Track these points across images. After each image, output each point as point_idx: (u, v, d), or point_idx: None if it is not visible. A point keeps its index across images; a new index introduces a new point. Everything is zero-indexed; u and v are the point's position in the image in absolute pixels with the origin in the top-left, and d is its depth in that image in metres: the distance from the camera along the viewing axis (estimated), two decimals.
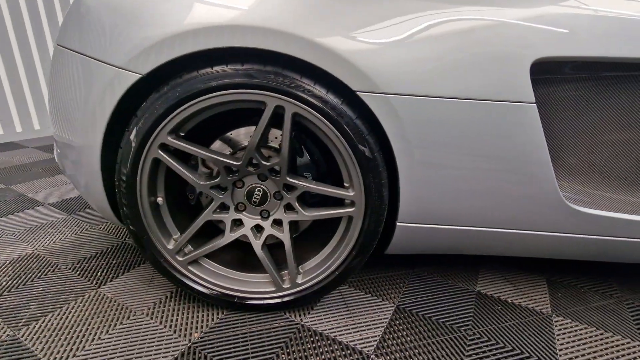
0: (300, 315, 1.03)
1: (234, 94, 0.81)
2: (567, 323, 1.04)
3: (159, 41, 0.77)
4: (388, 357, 0.90)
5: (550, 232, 0.99)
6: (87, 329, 0.96)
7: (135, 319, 1.00)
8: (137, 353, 0.89)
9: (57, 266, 1.24)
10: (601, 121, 0.93)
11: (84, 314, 1.02)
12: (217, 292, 1.00)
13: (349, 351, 0.92)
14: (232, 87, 0.80)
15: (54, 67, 0.92)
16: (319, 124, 0.85)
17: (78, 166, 0.95)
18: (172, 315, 1.02)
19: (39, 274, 1.20)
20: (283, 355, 0.90)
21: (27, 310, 1.03)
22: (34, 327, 0.97)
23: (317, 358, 0.89)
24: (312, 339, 0.95)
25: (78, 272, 1.21)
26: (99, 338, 0.93)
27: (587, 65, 0.88)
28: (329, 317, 1.03)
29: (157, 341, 0.93)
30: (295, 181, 0.93)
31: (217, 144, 1.03)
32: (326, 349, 0.92)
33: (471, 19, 0.82)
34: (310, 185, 0.93)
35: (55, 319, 1.00)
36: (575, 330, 1.01)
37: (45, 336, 0.94)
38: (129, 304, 1.06)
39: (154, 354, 0.89)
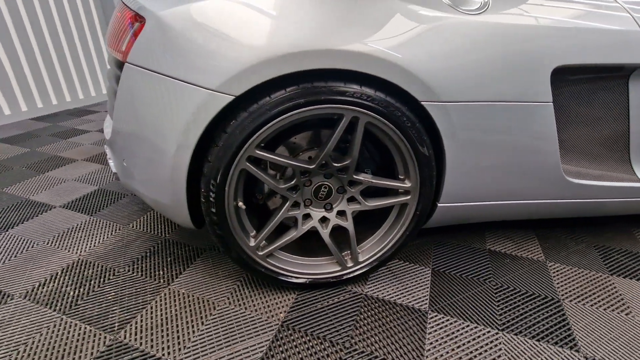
0: (360, 287, 1.23)
1: (319, 109, 0.91)
2: (557, 266, 1.36)
3: (254, 65, 0.83)
4: (442, 312, 1.14)
5: (551, 200, 1.26)
6: (182, 323, 1.07)
7: (221, 309, 1.13)
8: (239, 336, 1.03)
9: (114, 270, 1.29)
10: (591, 115, 1.17)
11: (171, 311, 1.12)
12: (294, 277, 1.15)
13: (409, 310, 1.14)
14: (318, 102, 0.90)
15: (128, 86, 0.92)
16: (385, 129, 0.99)
17: (157, 181, 1.00)
18: (252, 301, 1.16)
19: (101, 279, 1.25)
20: (361, 321, 1.10)
21: (113, 315, 1.10)
22: (131, 328, 1.05)
23: (388, 319, 1.10)
24: (377, 304, 1.16)
25: (140, 274, 1.27)
26: (198, 329, 1.05)
27: (587, 70, 1.10)
28: (383, 285, 1.24)
29: (252, 324, 1.07)
30: (361, 177, 1.07)
31: (280, 149, 1.12)
32: (392, 311, 1.13)
33: (505, 33, 0.98)
34: (372, 181, 1.08)
35: (146, 318, 1.09)
36: (564, 271, 1.33)
37: (146, 335, 1.03)
38: (206, 297, 1.18)
39: (254, 335, 1.04)
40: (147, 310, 1.12)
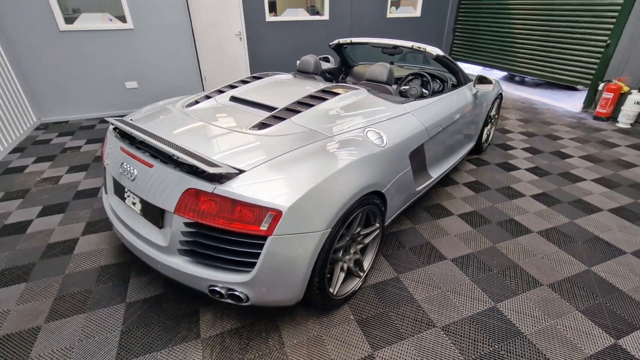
0: (368, 282, 2.32)
1: (357, 213, 1.89)
2: (418, 225, 2.89)
3: (338, 210, 1.71)
4: (403, 272, 2.41)
5: (410, 201, 2.71)
6: (319, 353, 1.86)
7: (329, 334, 1.96)
8: (350, 337, 1.94)
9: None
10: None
11: (306, 353, 1.86)
12: (346, 296, 2.12)
13: (393, 280, 2.35)
14: (355, 211, 1.88)
15: (275, 248, 1.55)
16: (371, 208, 2.07)
17: (291, 288, 1.70)
18: (332, 320, 2.04)
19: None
20: (383, 297, 2.21)
21: None
22: None
23: (390, 289, 2.27)
24: (380, 286, 2.30)
25: (255, 354, 1.87)
26: (327, 353, 1.88)
27: (417, 148, 2.53)
28: (373, 276, 2.38)
29: (347, 330, 1.99)
30: (362, 232, 2.13)
31: None
32: (388, 285, 2.31)
33: (395, 151, 2.23)
34: (367, 231, 2.16)
35: None
36: (423, 227, 2.88)
37: None
38: (312, 335, 1.96)
39: (355, 334, 1.98)
40: None
